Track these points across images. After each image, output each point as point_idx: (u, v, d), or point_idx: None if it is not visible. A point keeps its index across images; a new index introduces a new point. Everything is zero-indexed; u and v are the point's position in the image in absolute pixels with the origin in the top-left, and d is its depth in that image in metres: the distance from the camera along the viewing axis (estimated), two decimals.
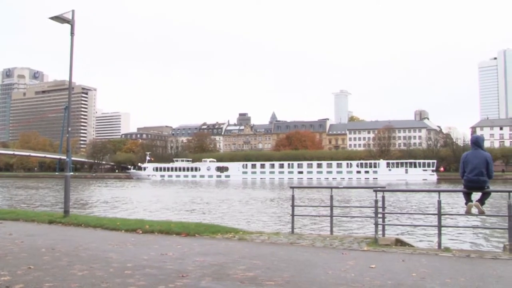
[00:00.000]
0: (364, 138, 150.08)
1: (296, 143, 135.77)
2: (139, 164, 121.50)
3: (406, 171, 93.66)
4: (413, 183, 74.38)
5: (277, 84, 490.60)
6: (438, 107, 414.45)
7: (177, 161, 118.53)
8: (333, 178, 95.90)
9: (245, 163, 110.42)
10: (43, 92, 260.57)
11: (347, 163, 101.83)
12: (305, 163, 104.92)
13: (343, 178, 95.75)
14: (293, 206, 10.24)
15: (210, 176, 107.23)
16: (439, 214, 8.37)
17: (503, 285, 5.31)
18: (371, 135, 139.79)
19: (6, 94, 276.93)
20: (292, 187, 10.64)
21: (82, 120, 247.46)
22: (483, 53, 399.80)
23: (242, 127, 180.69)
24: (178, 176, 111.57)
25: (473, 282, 5.38)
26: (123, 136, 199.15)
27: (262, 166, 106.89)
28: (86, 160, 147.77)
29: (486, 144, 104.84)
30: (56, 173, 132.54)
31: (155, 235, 9.51)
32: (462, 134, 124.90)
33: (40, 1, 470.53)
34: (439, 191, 8.82)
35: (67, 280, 5.20)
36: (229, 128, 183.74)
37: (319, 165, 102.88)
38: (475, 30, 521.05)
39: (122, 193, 48.22)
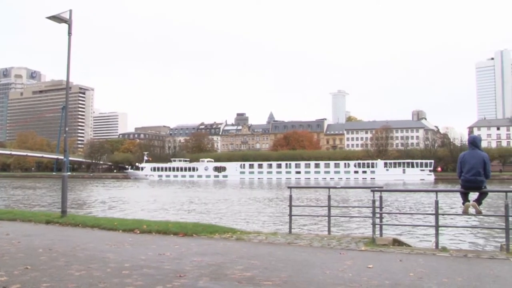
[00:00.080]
0: (361, 138, 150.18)
1: (294, 143, 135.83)
2: (137, 164, 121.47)
3: (404, 171, 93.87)
4: (411, 183, 74.51)
5: (275, 84, 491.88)
6: (435, 107, 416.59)
7: (174, 161, 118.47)
8: (330, 178, 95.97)
9: (242, 163, 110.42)
10: (41, 92, 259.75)
11: (345, 163, 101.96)
12: (302, 163, 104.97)
13: (341, 178, 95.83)
14: (290, 206, 10.24)
15: (208, 176, 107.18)
16: (437, 214, 8.38)
17: (500, 284, 5.32)
18: (369, 135, 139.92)
19: (3, 94, 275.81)
20: (290, 187, 10.62)
21: (80, 120, 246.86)
22: (481, 54, 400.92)
23: (240, 127, 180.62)
24: (175, 176, 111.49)
25: (470, 281, 5.39)
26: (120, 136, 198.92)
27: (260, 166, 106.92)
28: (84, 160, 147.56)
29: (483, 144, 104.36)
30: (54, 173, 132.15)
31: (152, 235, 9.49)
32: (459, 134, 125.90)
33: (38, 1, 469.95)
34: (436, 191, 8.86)
35: (64, 280, 5.19)
36: (226, 128, 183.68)
37: (317, 165, 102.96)
38: (473, 30, 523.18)
39: (119, 193, 48.16)
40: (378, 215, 8.99)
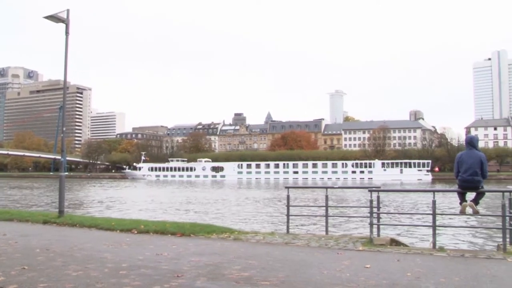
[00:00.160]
0: (359, 138, 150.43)
1: (291, 143, 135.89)
2: (134, 164, 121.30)
3: (401, 171, 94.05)
4: (408, 183, 74.64)
5: (273, 84, 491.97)
6: (433, 107, 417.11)
7: (172, 161, 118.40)
8: (328, 178, 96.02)
9: (240, 163, 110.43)
10: (38, 91, 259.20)
11: (342, 163, 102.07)
12: (300, 163, 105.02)
13: (338, 178, 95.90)
14: (288, 206, 10.24)
15: (205, 176, 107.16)
16: (434, 214, 8.39)
17: (497, 284, 5.34)
18: (366, 135, 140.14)
19: (0, 94, 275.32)
20: (287, 187, 10.61)
21: (77, 120, 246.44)
22: (479, 54, 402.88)
23: (237, 127, 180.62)
24: (173, 176, 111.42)
25: (467, 281, 5.40)
26: (118, 136, 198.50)
27: (257, 166, 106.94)
28: (81, 160, 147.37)
29: (481, 144, 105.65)
30: (51, 173, 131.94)
31: (150, 235, 9.48)
32: (456, 134, 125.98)
33: (37, 1, 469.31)
34: (433, 191, 8.86)
35: (62, 281, 5.18)
36: (224, 128, 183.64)
37: (314, 165, 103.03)
38: (470, 31, 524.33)
39: (117, 193, 48.08)
40: (375, 215, 8.99)
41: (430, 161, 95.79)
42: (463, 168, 8.37)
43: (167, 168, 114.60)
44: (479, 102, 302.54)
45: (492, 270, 6.07)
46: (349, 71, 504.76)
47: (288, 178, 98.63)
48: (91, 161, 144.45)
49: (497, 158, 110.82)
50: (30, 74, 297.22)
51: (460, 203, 8.66)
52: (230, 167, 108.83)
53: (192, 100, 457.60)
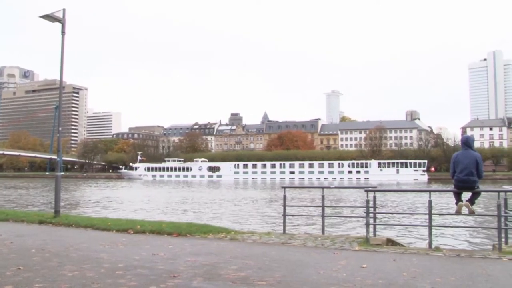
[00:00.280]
0: (355, 138, 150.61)
1: (288, 143, 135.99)
2: (131, 164, 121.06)
3: (397, 171, 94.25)
4: (404, 183, 74.81)
5: (269, 84, 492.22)
6: (429, 107, 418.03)
7: (168, 161, 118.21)
8: (324, 178, 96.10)
9: (236, 163, 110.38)
10: (34, 91, 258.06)
11: (339, 163, 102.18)
12: (296, 163, 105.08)
13: (335, 178, 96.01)
14: (284, 206, 10.24)
15: (202, 176, 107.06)
16: (430, 214, 8.42)
17: (492, 283, 5.36)
18: (363, 135, 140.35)
19: None
20: (284, 187, 10.61)
21: (73, 119, 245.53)
22: (474, 55, 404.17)
23: (234, 127, 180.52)
24: (169, 176, 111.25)
25: (463, 281, 5.42)
26: (114, 136, 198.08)
27: (254, 166, 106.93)
28: (77, 160, 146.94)
29: (476, 144, 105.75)
30: (47, 173, 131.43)
31: (146, 235, 9.46)
32: (452, 135, 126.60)
33: (35, 1, 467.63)
34: (430, 191, 8.90)
35: (57, 281, 5.17)
36: (220, 128, 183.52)
37: (311, 165, 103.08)
38: (466, 32, 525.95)
39: (113, 193, 47.97)
40: (371, 215, 9.01)
41: (426, 161, 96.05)
42: (459, 168, 8.40)
43: (164, 168, 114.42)
44: (474, 103, 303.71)
45: (487, 270, 6.09)
46: (341, 72, 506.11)
47: (284, 178, 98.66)
48: (87, 161, 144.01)
49: (493, 158, 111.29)
50: (26, 74, 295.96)
51: (456, 203, 8.68)
52: (226, 167, 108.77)
53: (188, 100, 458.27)
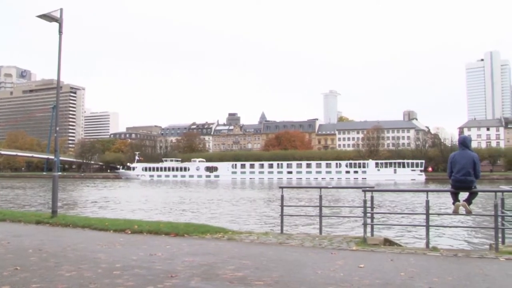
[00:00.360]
0: (353, 138, 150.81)
1: (286, 143, 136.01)
2: (128, 164, 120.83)
3: (395, 171, 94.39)
4: (402, 183, 74.95)
5: (267, 84, 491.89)
6: (426, 107, 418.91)
7: (166, 161, 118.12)
8: (322, 178, 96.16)
9: (234, 163, 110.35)
10: (31, 91, 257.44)
11: (336, 163, 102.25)
12: (294, 163, 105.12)
13: (332, 178, 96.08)
14: (282, 206, 10.23)
15: (200, 176, 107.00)
16: (427, 214, 8.43)
17: (489, 283, 5.37)
18: (360, 135, 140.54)
19: None
20: (281, 187, 10.61)
21: (71, 119, 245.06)
22: (471, 55, 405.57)
23: (231, 127, 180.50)
24: (167, 176, 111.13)
25: (460, 281, 5.44)
26: (112, 135, 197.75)
27: (252, 166, 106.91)
28: (75, 160, 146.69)
29: (473, 144, 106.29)
30: (44, 173, 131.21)
31: (144, 235, 9.45)
32: (450, 135, 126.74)
33: (35, 1, 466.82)
34: (427, 191, 8.90)
35: (55, 281, 5.16)
36: (218, 128, 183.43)
37: (309, 165, 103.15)
38: (463, 32, 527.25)
39: (110, 193, 47.90)
40: (369, 215, 9.02)
41: (423, 161, 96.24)
42: (456, 168, 8.41)
43: (161, 168, 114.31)
44: (472, 103, 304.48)
45: (484, 270, 6.10)
46: (339, 72, 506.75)
47: (282, 178, 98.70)
48: (84, 161, 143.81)
49: (490, 159, 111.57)
50: (23, 74, 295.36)
51: (453, 203, 8.70)
52: (224, 167, 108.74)
53: (186, 100, 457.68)
